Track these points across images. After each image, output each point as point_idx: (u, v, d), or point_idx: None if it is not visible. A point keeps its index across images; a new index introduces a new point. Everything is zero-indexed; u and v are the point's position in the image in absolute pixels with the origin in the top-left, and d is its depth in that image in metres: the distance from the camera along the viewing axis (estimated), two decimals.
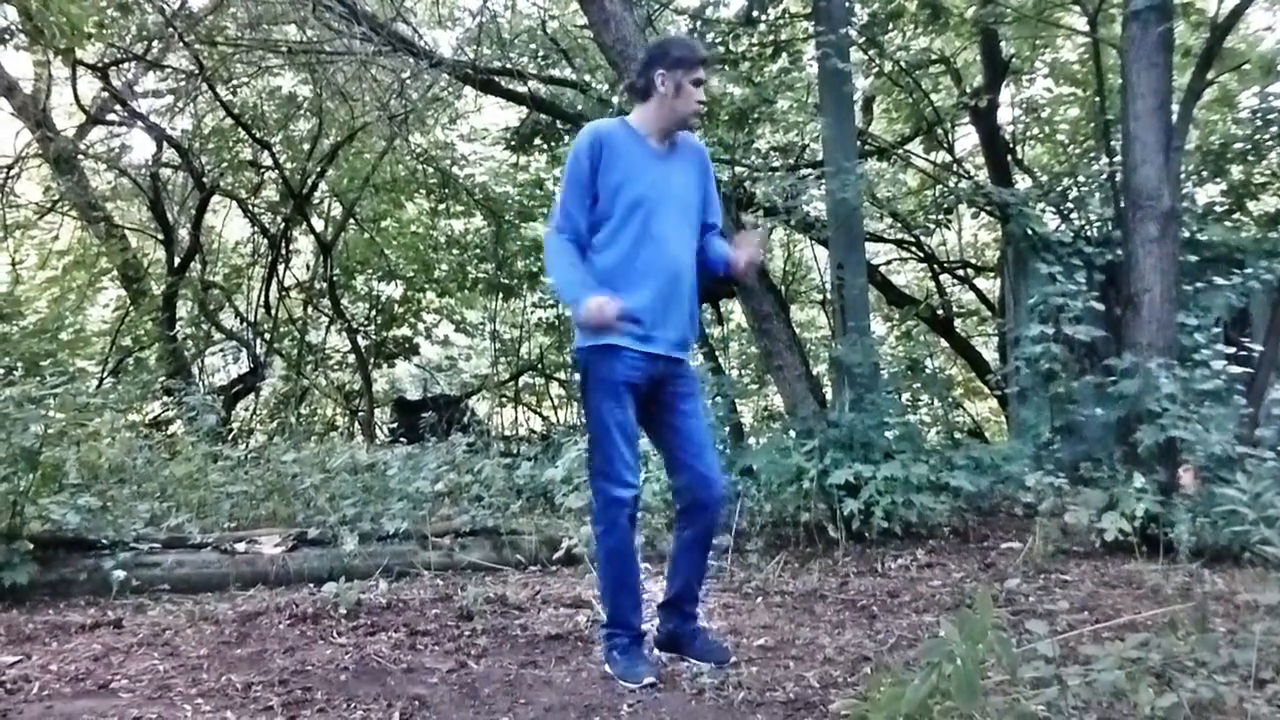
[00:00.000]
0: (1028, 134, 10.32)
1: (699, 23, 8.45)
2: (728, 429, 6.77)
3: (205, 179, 11.11)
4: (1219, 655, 2.69)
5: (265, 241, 12.32)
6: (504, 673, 3.15)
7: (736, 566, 4.86)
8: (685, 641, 3.27)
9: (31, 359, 7.85)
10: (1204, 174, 8.53)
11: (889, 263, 12.50)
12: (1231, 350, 5.81)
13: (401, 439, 8.66)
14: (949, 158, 10.21)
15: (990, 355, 11.30)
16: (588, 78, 9.18)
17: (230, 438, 8.70)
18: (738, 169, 8.03)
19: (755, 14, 8.13)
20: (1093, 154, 8.62)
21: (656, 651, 3.32)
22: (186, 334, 12.13)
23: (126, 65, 10.57)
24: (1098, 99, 7.50)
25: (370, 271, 13.22)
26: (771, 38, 8.43)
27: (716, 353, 8.96)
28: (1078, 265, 6.37)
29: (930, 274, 11.99)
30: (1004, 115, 9.92)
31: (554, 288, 3.17)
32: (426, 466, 5.93)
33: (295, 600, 4.12)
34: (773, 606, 4.13)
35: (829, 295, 8.35)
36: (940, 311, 10.96)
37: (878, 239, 11.36)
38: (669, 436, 3.24)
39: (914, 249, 11.61)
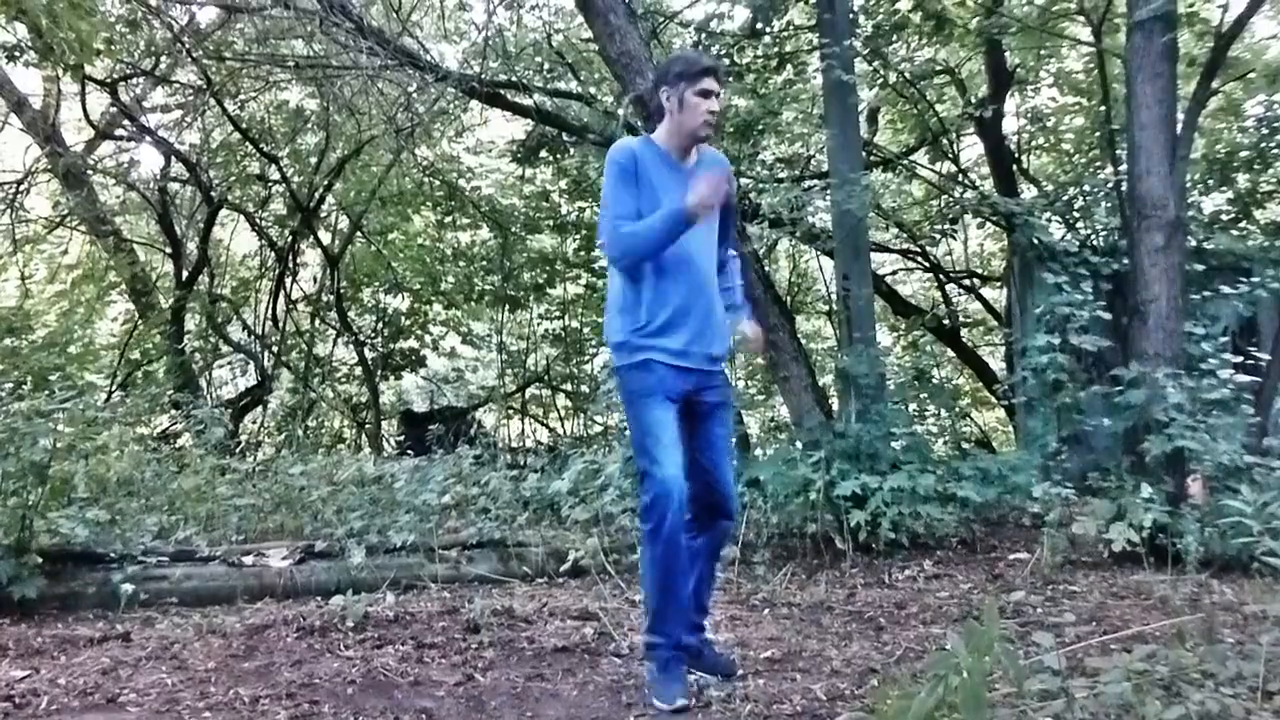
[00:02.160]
0: (1033, 144, 10.33)
1: (704, 35, 8.49)
2: (734, 440, 6.77)
3: (213, 193, 11.17)
4: (1227, 667, 2.68)
5: (273, 255, 12.37)
6: (511, 685, 3.15)
7: (743, 578, 4.86)
8: (692, 654, 3.25)
9: (40, 373, 7.89)
10: (1210, 183, 8.52)
11: (895, 273, 12.51)
12: (1239, 359, 5.80)
13: (408, 451, 8.67)
14: (954, 168, 10.22)
15: (997, 365, 11.29)
16: (593, 90, 9.22)
17: (238, 450, 8.72)
18: (743, 180, 8.04)
19: (760, 26, 8.16)
20: (1098, 163, 8.62)
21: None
22: (194, 347, 12.18)
23: (135, 80, 10.67)
24: (1103, 108, 7.50)
25: (377, 284, 13.28)
26: (776, 50, 8.47)
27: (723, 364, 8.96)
28: (1084, 275, 6.36)
29: (936, 284, 11.99)
30: (1009, 125, 9.95)
31: (650, 240, 3.06)
32: (433, 479, 5.94)
33: (303, 613, 4.13)
34: (780, 618, 4.12)
35: (835, 306, 8.34)
36: (946, 321, 10.97)
37: (883, 249, 11.37)
38: (691, 442, 3.23)
39: (920, 259, 11.62)
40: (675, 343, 3.11)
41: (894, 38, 8.36)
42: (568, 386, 13.06)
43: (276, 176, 11.39)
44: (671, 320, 3.11)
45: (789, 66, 8.49)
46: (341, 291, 12.37)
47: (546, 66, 9.71)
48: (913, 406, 6.95)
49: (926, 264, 11.60)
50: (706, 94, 3.16)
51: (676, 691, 2.92)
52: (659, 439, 3.04)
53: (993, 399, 10.89)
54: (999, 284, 11.43)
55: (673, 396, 3.13)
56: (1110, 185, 7.31)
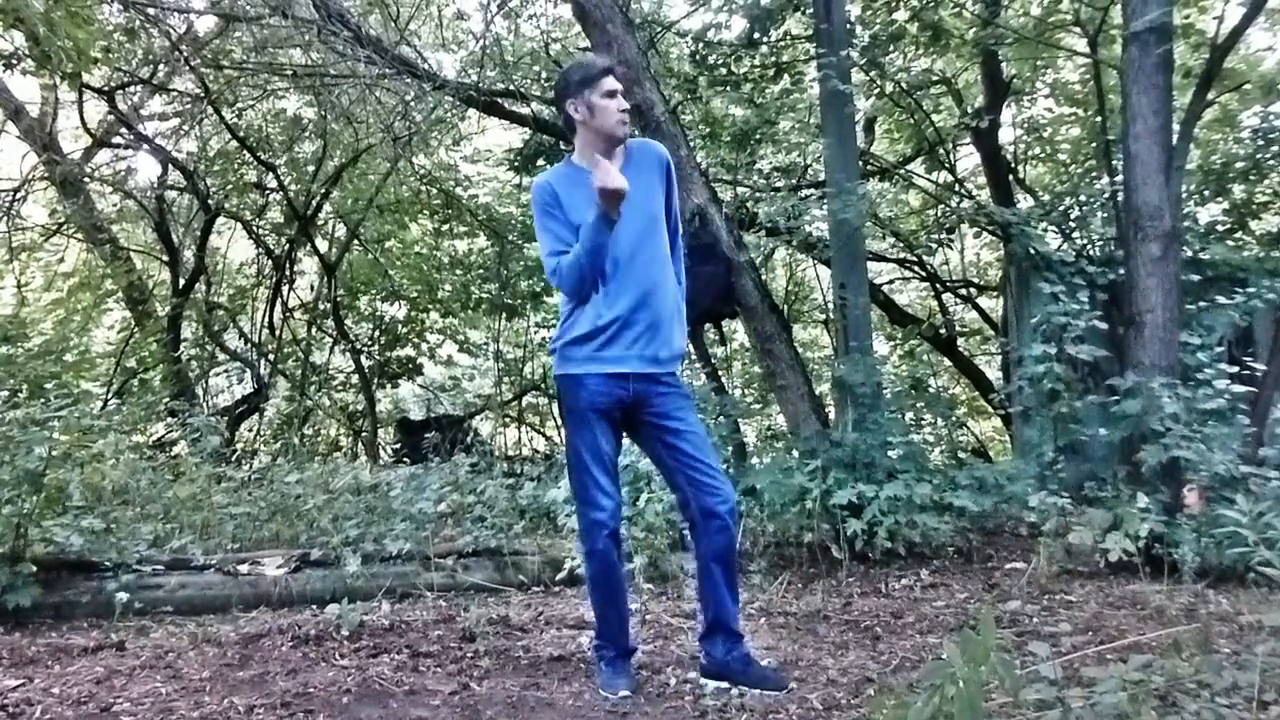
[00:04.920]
0: (1029, 154, 10.35)
1: (701, 45, 8.51)
2: (731, 449, 6.76)
3: (210, 201, 11.17)
4: (1222, 677, 2.67)
5: (270, 263, 12.37)
6: (506, 694, 3.14)
7: (739, 587, 4.84)
8: (736, 670, 3.14)
9: (36, 381, 7.86)
10: (1206, 193, 8.55)
11: (891, 282, 12.53)
12: (1235, 369, 5.80)
13: (405, 459, 8.66)
14: (951, 178, 10.24)
15: (993, 374, 11.30)
16: None
17: (234, 459, 8.71)
18: (740, 189, 8.06)
19: (757, 36, 8.18)
20: (1094, 174, 8.64)
21: (702, 680, 3.19)
22: (191, 355, 12.16)
23: (132, 89, 10.66)
24: (1099, 119, 7.53)
25: (374, 292, 13.29)
26: (773, 59, 8.49)
27: (720, 372, 8.97)
28: (1080, 284, 6.37)
29: (933, 293, 12.01)
30: (1005, 135, 9.97)
31: (585, 263, 3.06)
32: (429, 487, 5.92)
33: (298, 622, 4.12)
34: (776, 627, 4.12)
35: (831, 315, 8.35)
36: (943, 331, 10.97)
37: (880, 258, 11.39)
38: (663, 454, 3.21)
39: (916, 268, 11.63)
40: (611, 350, 3.11)
41: (891, 48, 8.38)
42: None
43: (274, 184, 11.41)
44: (608, 327, 3.10)
45: (786, 76, 8.51)
46: (338, 299, 12.38)
47: (544, 75, 9.73)
48: (909, 415, 6.95)
49: (923, 273, 11.62)
50: (612, 93, 3.14)
51: (620, 684, 3.14)
52: (588, 466, 3.14)
53: (989, 408, 10.90)
54: (995, 293, 11.45)
55: (606, 410, 3.14)
56: (1106, 195, 7.33)
